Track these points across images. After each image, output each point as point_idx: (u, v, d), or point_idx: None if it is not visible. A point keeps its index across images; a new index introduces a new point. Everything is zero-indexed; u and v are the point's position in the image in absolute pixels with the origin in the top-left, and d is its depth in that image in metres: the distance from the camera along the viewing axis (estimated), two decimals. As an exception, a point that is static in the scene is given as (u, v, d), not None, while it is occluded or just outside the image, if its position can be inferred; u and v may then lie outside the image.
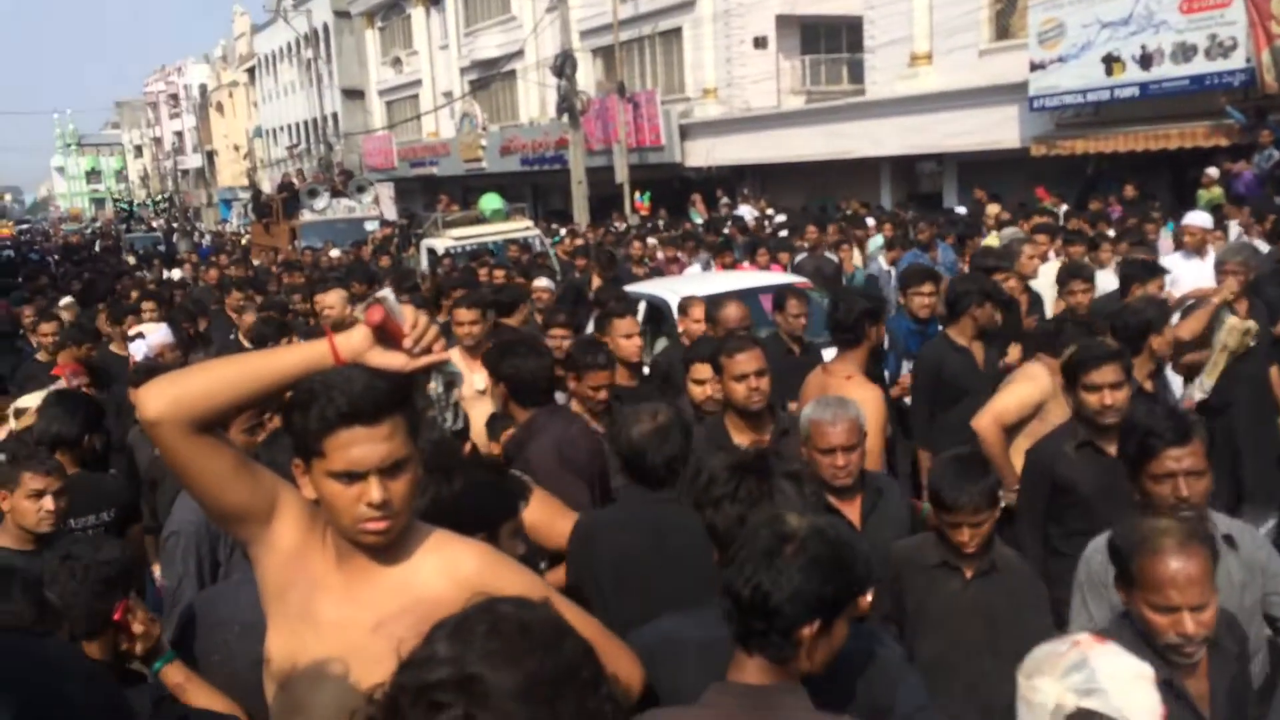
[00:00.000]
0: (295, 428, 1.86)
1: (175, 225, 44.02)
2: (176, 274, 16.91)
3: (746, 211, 19.15)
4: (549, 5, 26.67)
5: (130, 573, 2.71)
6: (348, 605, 1.92)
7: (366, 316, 1.90)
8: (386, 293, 1.97)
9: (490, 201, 16.00)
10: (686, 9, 25.23)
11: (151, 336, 7.05)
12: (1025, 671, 2.02)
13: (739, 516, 2.21)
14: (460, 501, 2.39)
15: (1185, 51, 14.04)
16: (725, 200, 21.80)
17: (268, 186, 40.45)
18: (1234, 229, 9.27)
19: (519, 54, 30.20)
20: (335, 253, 18.20)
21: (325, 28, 43.53)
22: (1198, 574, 2.29)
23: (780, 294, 6.09)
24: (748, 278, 8.56)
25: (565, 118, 23.56)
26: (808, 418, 3.43)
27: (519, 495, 2.79)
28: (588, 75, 27.37)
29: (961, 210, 15.87)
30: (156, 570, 4.14)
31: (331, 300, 7.11)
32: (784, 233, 13.48)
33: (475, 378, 5.16)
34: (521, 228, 15.12)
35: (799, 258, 10.15)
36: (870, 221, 13.13)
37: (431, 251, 14.57)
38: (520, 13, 30.98)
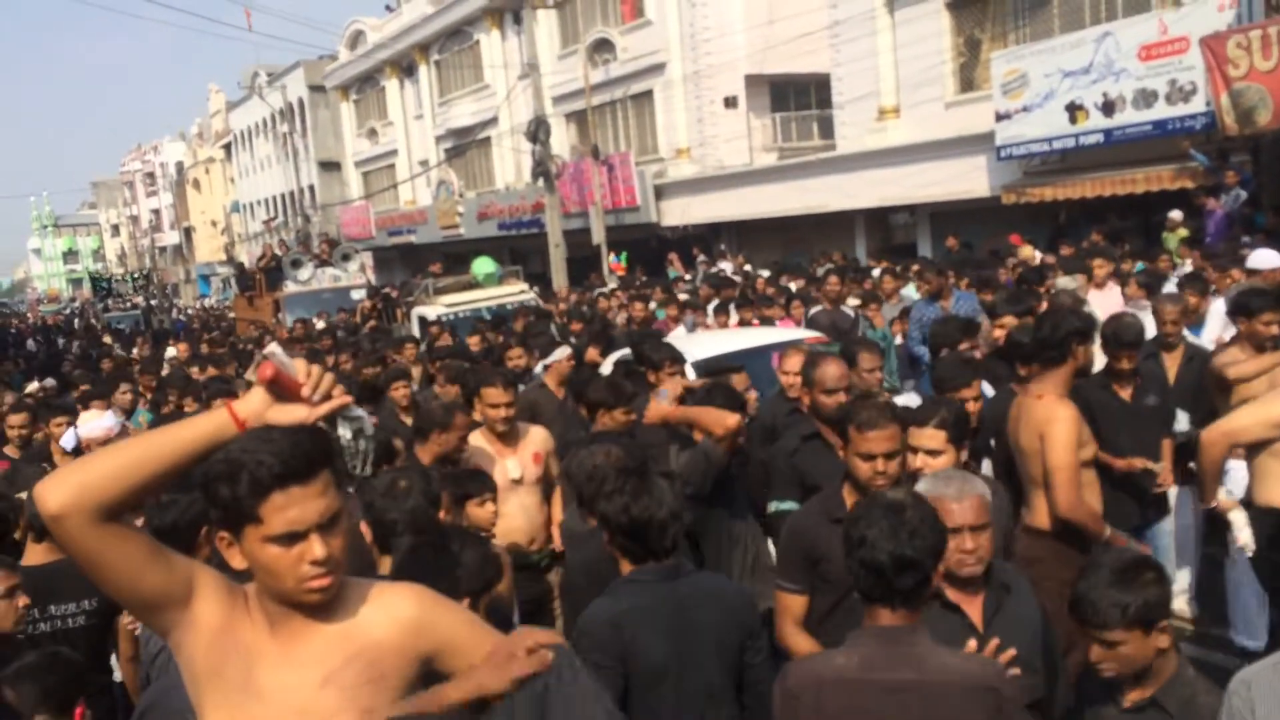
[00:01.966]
0: (221, 499, 1.81)
1: (154, 302, 43.91)
2: (170, 351, 16.58)
3: (726, 267, 19.30)
4: (521, 73, 27.05)
5: (84, 678, 2.68)
6: (289, 669, 1.88)
7: (258, 374, 1.87)
8: (274, 348, 1.95)
9: (483, 265, 15.49)
10: (657, 72, 25.65)
11: (85, 425, 6.43)
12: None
13: (624, 506, 2.91)
14: (457, 567, 2.60)
15: (1146, 97, 14.34)
16: (703, 258, 21.97)
17: (246, 260, 40.48)
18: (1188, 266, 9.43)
19: (493, 121, 30.56)
20: (320, 324, 17.96)
21: (300, 102, 43.98)
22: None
23: (849, 348, 5.30)
24: (762, 334, 8.02)
25: (540, 182, 23.80)
26: (926, 493, 2.81)
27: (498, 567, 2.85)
28: (561, 139, 27.69)
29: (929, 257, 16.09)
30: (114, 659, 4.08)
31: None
32: (793, 285, 12.95)
33: (509, 464, 4.93)
34: (516, 291, 14.73)
35: (813, 311, 9.93)
36: (874, 271, 12.92)
37: (423, 319, 13.98)
38: (493, 81, 31.40)
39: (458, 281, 15.54)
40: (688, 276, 19.45)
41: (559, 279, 23.20)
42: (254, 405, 1.87)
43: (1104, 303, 7.69)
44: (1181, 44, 13.66)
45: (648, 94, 26.31)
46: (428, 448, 4.66)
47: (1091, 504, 4.07)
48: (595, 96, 26.04)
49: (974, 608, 2.84)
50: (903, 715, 2.35)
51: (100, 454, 1.86)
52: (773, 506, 4.19)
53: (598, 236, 23.74)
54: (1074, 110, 15.31)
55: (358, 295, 21.94)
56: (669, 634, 2.85)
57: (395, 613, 1.95)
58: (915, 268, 12.08)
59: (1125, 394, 5.11)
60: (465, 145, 33.12)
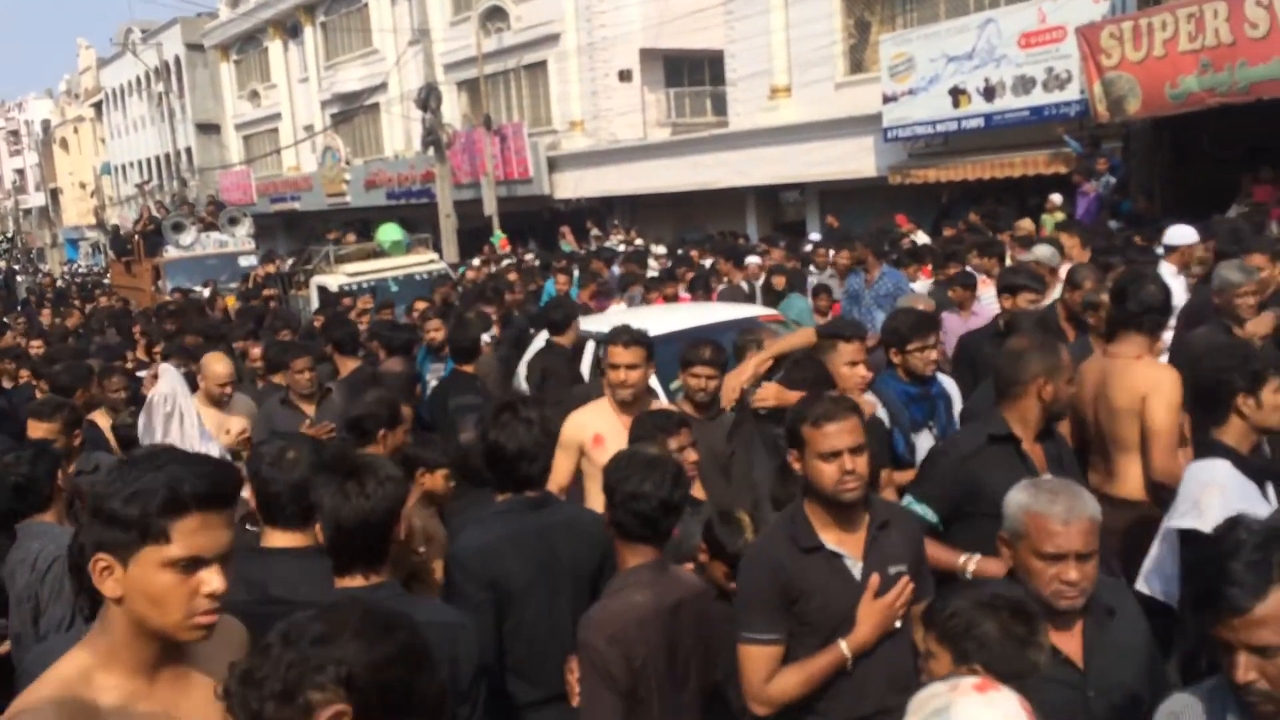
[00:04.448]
0: (124, 517, 1.72)
1: (17, 267, 41.63)
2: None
3: (617, 242, 19.29)
4: (412, 39, 26.44)
5: None
6: None
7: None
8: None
9: (389, 233, 14.81)
10: (551, 43, 25.38)
11: None
12: (908, 708, 1.93)
13: (483, 434, 3.23)
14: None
15: (1025, 84, 14.83)
16: (596, 232, 21.92)
17: (120, 224, 38.71)
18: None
19: (382, 87, 29.83)
20: (206, 293, 16.90)
21: (177, 61, 42.12)
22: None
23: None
24: (713, 311, 7.64)
25: (431, 151, 23.35)
26: (1023, 507, 2.50)
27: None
28: (453, 108, 27.23)
29: (816, 236, 16.36)
30: None
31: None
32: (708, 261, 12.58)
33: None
34: (426, 260, 14.19)
35: (719, 288, 9.89)
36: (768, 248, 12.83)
37: (324, 290, 13.30)
38: (382, 46, 30.63)
39: (361, 249, 14.88)
40: (581, 250, 19.36)
41: (450, 250, 22.84)
42: None
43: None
44: (1059, 33, 14.15)
45: (541, 65, 26.03)
46: (371, 450, 4.16)
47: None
48: (488, 65, 25.66)
49: (1070, 642, 2.47)
50: (686, 624, 2.79)
51: None
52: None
53: (489, 208, 23.45)
54: (957, 94, 15.74)
55: (246, 262, 20.93)
56: (533, 560, 3.07)
57: (230, 639, 1.96)
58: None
59: None
60: (353, 111, 32.27)
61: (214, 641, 1.89)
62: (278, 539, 2.89)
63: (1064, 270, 6.87)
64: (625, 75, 24.83)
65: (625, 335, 4.36)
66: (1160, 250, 7.70)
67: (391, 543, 2.60)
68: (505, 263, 17.53)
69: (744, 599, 2.93)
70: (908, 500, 3.44)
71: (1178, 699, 2.18)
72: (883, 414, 4.19)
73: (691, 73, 26.44)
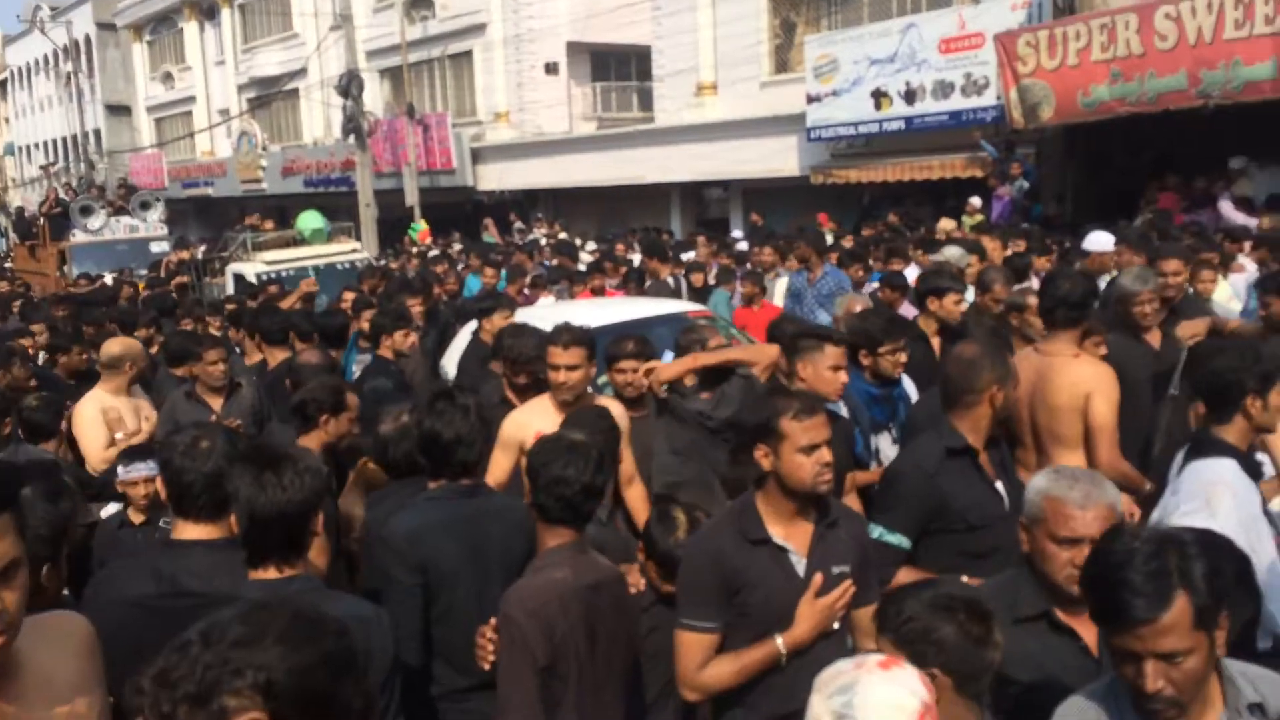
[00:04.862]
0: None
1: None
2: None
3: (540, 235, 19.19)
4: (333, 24, 25.93)
5: None
6: None
7: None
8: None
9: (310, 220, 14.30)
10: (477, 33, 25.12)
11: None
12: (814, 685, 1.98)
13: (419, 421, 3.28)
14: None
15: (944, 89, 15.13)
16: (519, 225, 21.77)
17: (23, 206, 37.27)
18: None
19: (301, 72, 29.21)
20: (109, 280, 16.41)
21: (87, 40, 40.69)
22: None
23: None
24: (643, 306, 7.55)
25: (352, 139, 22.93)
26: (1042, 492, 2.53)
27: None
28: (375, 96, 26.79)
29: (739, 234, 16.51)
30: None
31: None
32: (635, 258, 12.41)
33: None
34: (348, 250, 13.86)
35: (648, 284, 9.85)
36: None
37: (240, 278, 12.89)
38: (303, 30, 30.00)
39: (281, 237, 14.44)
40: (503, 242, 19.21)
41: (369, 240, 22.47)
42: None
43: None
44: (977, 39, 14.47)
45: (467, 55, 25.75)
46: (314, 435, 4.11)
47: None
48: (412, 54, 25.30)
49: (1089, 629, 2.46)
50: (604, 605, 2.88)
51: None
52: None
53: (411, 198, 23.14)
54: (879, 97, 15.98)
55: (159, 248, 20.27)
56: (464, 545, 3.12)
57: (66, 641, 1.85)
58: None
59: None
60: (270, 96, 31.56)
61: (51, 643, 1.79)
62: (190, 531, 2.80)
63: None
64: (551, 68, 24.69)
65: (565, 336, 4.24)
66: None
67: (310, 535, 2.54)
68: (431, 254, 17.33)
69: (685, 586, 2.92)
70: (878, 533, 3.32)
71: (1072, 703, 2.19)
72: (845, 414, 4.22)
73: (618, 67, 26.41)
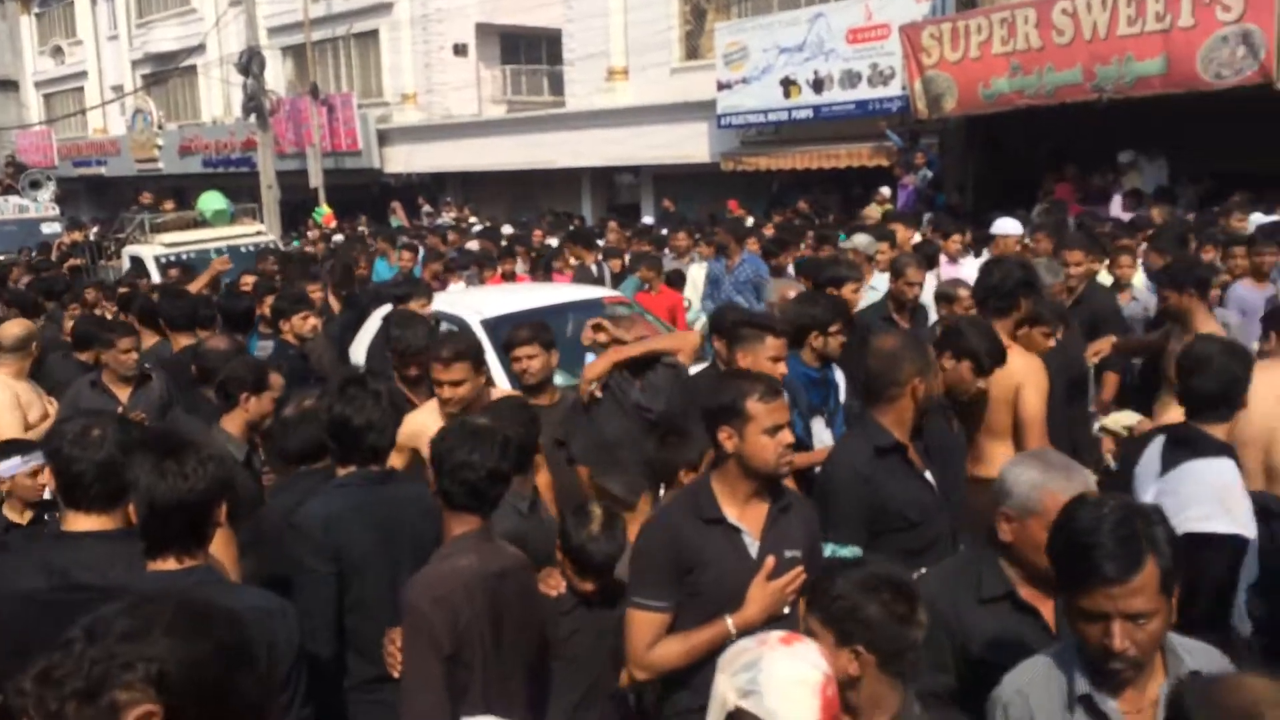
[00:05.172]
0: None
1: None
2: None
3: (448, 219, 18.95)
4: (233, -1, 25.19)
5: None
6: None
7: None
8: None
9: (212, 201, 13.75)
10: (383, 11, 24.65)
11: None
12: (718, 664, 2.01)
13: (328, 406, 3.26)
14: None
15: (851, 78, 15.36)
16: (427, 208, 21.47)
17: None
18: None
19: (200, 49, 28.28)
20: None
21: (-32, 10, 38.81)
22: None
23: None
24: (554, 292, 7.60)
25: (253, 118, 22.29)
26: (1037, 485, 2.56)
27: None
28: (277, 74, 26.12)
29: (649, 219, 16.55)
30: None
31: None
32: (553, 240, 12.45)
33: None
34: (252, 232, 13.43)
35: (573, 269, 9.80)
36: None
37: (138, 261, 12.45)
38: (201, 5, 29.08)
39: (181, 218, 13.90)
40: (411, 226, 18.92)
41: (272, 222, 21.90)
42: None
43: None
44: (883, 30, 14.70)
45: (373, 34, 25.25)
46: (235, 415, 4.07)
47: None
48: (315, 31, 24.71)
49: (1049, 608, 2.59)
50: (510, 592, 2.85)
51: None
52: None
53: (315, 180, 22.64)
54: (788, 85, 16.15)
55: (50, 229, 19.38)
56: (376, 532, 3.10)
57: None
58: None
59: None
60: (167, 73, 30.48)
61: None
62: (81, 522, 2.70)
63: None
64: (460, 49, 24.37)
65: (447, 353, 4.13)
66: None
67: (213, 525, 2.47)
68: (336, 237, 16.97)
69: (638, 564, 2.92)
70: (830, 550, 3.23)
71: (1024, 665, 2.27)
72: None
73: (528, 50, 26.18)
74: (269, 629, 2.37)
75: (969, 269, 7.27)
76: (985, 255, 7.84)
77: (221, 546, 3.19)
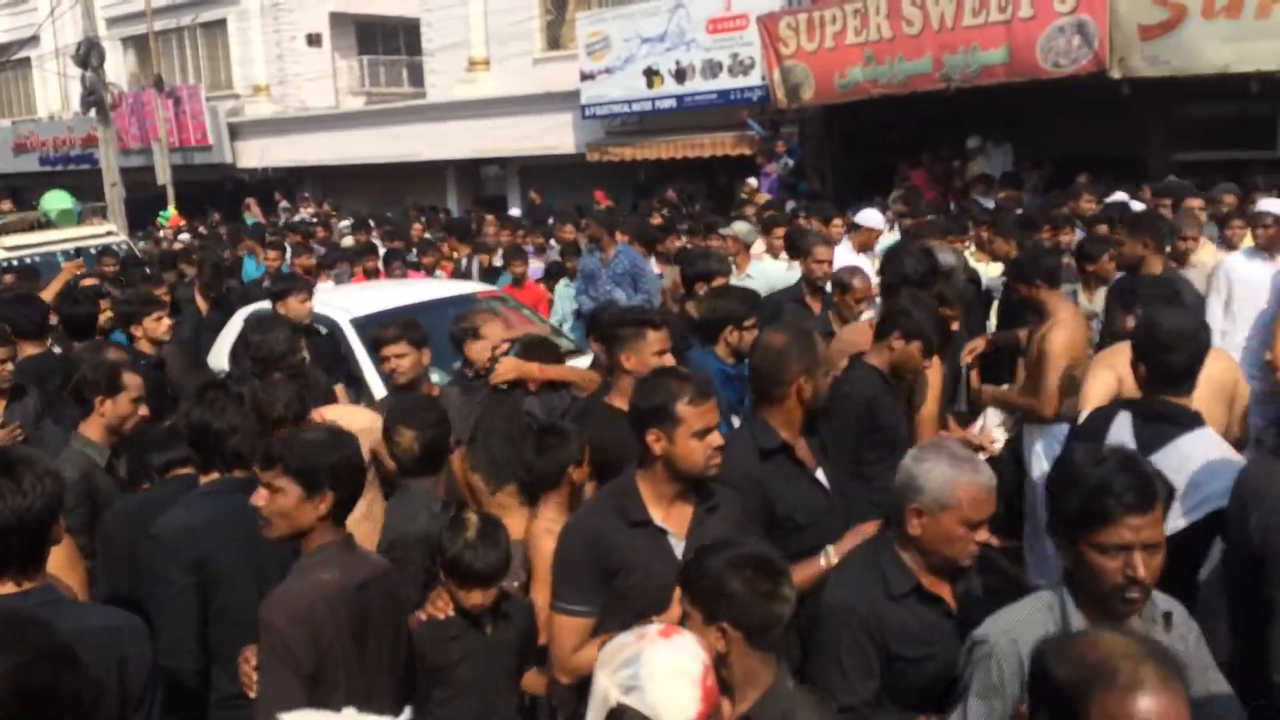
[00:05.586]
0: None
1: None
2: None
3: (306, 215, 18.40)
4: (67, -13, 23.81)
5: None
6: None
7: None
8: None
9: (56, 200, 13.08)
10: (230, 1, 23.74)
11: None
12: (599, 660, 2.00)
13: (187, 411, 3.24)
14: None
15: (713, 68, 15.52)
16: (285, 204, 20.80)
17: None
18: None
19: (33, 40, 26.66)
20: None
21: None
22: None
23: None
24: (427, 288, 7.54)
25: (93, 113, 21.15)
26: (952, 480, 2.58)
27: None
28: (119, 67, 24.88)
29: (517, 211, 16.41)
30: None
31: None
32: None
33: None
34: (102, 232, 12.67)
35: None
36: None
37: None
38: (32, -7, 27.47)
39: (23, 219, 13.04)
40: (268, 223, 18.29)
41: (118, 221, 20.83)
42: None
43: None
44: (742, 21, 14.90)
45: (220, 23, 24.31)
46: (93, 421, 3.92)
47: None
48: (158, 21, 23.63)
49: (948, 593, 2.69)
50: (375, 603, 2.75)
51: None
52: None
53: (163, 176, 21.65)
54: (651, 75, 16.22)
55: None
56: (238, 542, 3.00)
57: None
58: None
59: None
60: (-3, 65, 28.73)
61: None
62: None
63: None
64: (314, 39, 23.68)
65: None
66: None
67: (49, 544, 2.32)
68: (182, 236, 16.28)
69: (560, 567, 2.86)
70: None
71: (1004, 615, 2.37)
72: None
73: (386, 40, 25.62)
74: (119, 645, 2.30)
75: (843, 255, 7.37)
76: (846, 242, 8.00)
77: (67, 565, 3.03)
